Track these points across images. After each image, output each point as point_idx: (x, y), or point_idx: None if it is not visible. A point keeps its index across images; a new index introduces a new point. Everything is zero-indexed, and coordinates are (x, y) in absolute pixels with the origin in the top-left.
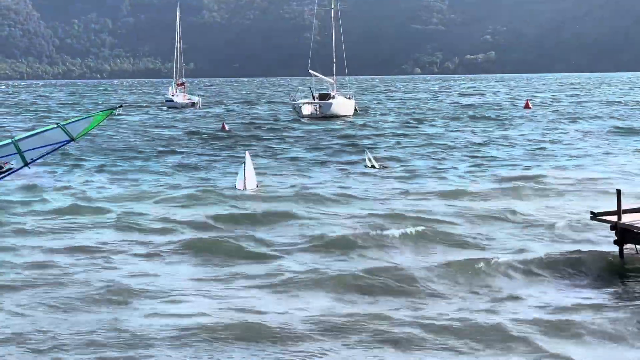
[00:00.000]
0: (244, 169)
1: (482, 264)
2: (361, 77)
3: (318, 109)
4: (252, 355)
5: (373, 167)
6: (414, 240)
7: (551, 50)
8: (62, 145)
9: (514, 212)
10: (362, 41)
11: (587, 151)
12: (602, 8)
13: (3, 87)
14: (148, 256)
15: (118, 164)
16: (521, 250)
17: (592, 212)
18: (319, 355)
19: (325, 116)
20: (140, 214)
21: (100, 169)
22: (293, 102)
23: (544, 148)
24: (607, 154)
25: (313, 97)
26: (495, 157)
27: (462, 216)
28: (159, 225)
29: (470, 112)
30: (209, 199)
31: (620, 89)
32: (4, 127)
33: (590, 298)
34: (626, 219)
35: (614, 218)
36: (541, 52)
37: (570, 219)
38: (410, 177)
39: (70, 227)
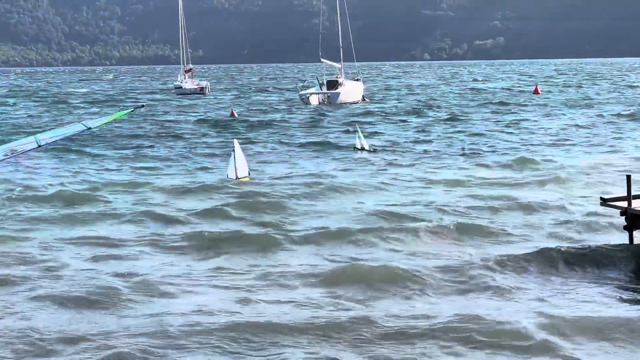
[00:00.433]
0: (234, 158)
1: (487, 256)
2: (370, 63)
3: (326, 99)
4: (255, 351)
5: (363, 149)
6: (419, 230)
7: (560, 36)
8: (78, 133)
9: (521, 198)
10: (371, 27)
11: (597, 136)
12: None
13: (12, 75)
14: (143, 248)
15: (123, 151)
16: (530, 238)
17: (601, 198)
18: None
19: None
20: (138, 203)
21: (104, 157)
22: (300, 93)
23: (552, 133)
24: (618, 139)
25: (320, 86)
26: (502, 142)
27: (466, 204)
28: (153, 216)
29: (479, 97)
30: (203, 190)
31: (631, 74)
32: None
33: (599, 286)
34: (636, 204)
35: (624, 204)
36: (550, 38)
37: (580, 205)
38: (410, 163)
39: (72, 217)
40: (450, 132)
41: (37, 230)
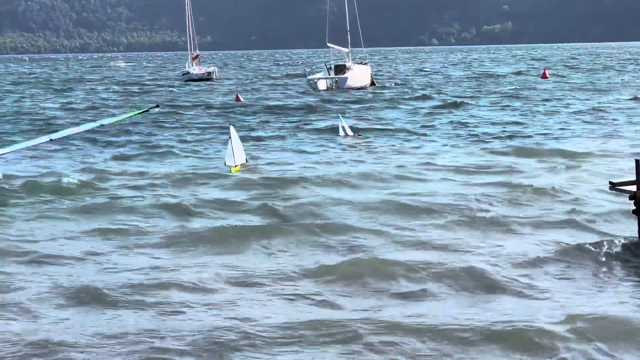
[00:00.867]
0: (231, 145)
1: (494, 249)
2: (378, 48)
3: (334, 84)
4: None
5: (347, 135)
6: (424, 222)
7: (569, 20)
8: (90, 129)
9: (529, 184)
10: (378, 12)
11: (606, 121)
12: None
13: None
14: (155, 241)
15: (127, 137)
16: (538, 224)
17: (610, 182)
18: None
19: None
20: (145, 192)
21: (108, 144)
22: (308, 77)
23: (560, 118)
24: (629, 123)
25: (328, 71)
26: (509, 128)
27: (469, 192)
28: (158, 207)
29: (487, 82)
30: (205, 178)
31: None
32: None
33: (606, 271)
34: None
35: (633, 188)
36: (559, 22)
37: (588, 189)
38: (412, 150)
39: (77, 208)
40: (455, 118)
41: (44, 222)
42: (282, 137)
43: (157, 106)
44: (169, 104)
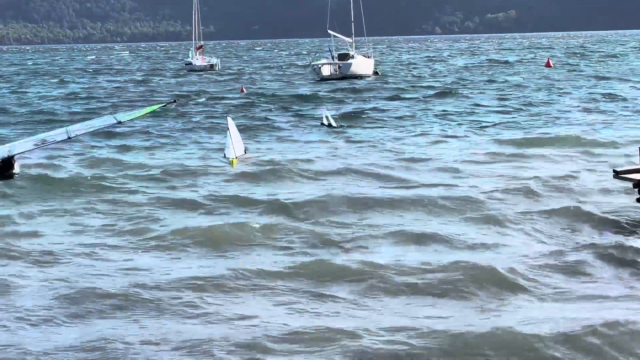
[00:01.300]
0: (230, 136)
1: (495, 243)
2: (381, 37)
3: (338, 70)
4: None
5: (330, 125)
6: (424, 216)
7: (572, 8)
8: (109, 127)
9: (531, 175)
10: (382, 1)
11: (611, 110)
12: None
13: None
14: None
15: (127, 129)
16: (545, 213)
17: (614, 170)
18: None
19: (345, 76)
20: (151, 186)
21: (108, 135)
22: (312, 63)
23: (565, 107)
24: (637, 112)
25: (332, 57)
26: (512, 117)
27: (467, 183)
28: (162, 202)
29: (490, 71)
30: (203, 171)
31: None
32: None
33: (612, 262)
34: None
35: (638, 176)
36: (562, 10)
37: (592, 178)
38: (410, 139)
39: (73, 208)
40: (453, 108)
41: (46, 218)
42: (283, 129)
43: (175, 102)
44: (171, 93)
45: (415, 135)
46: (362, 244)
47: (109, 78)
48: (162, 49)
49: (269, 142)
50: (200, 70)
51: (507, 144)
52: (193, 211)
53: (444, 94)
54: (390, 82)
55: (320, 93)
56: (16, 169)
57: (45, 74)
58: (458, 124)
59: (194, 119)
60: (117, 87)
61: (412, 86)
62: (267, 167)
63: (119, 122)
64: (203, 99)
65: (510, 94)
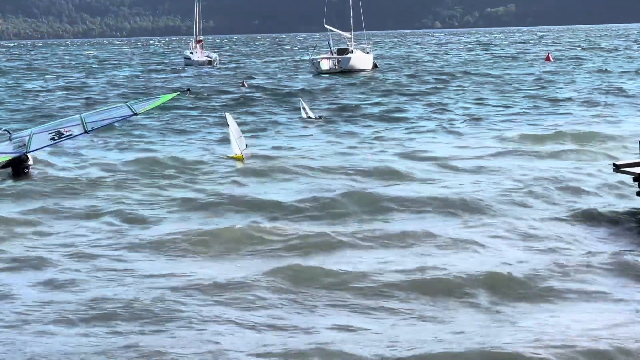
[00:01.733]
0: (231, 133)
1: (486, 239)
2: (380, 31)
3: (337, 64)
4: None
5: (309, 117)
6: (423, 214)
7: (572, 2)
8: (125, 119)
9: (529, 171)
10: None
11: (611, 104)
12: None
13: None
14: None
15: (127, 127)
16: (545, 208)
17: (614, 164)
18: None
19: (344, 71)
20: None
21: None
22: (311, 58)
23: (564, 101)
24: (633, 105)
25: (331, 52)
26: (510, 112)
27: (464, 181)
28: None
29: (488, 65)
30: (204, 168)
31: None
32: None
33: (613, 257)
34: None
35: (638, 170)
36: (562, 4)
37: (592, 172)
38: (398, 134)
39: (74, 210)
40: (450, 102)
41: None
42: (284, 123)
43: (188, 90)
44: (169, 87)
45: (413, 132)
46: (370, 243)
47: (110, 72)
48: (162, 43)
49: (265, 137)
50: (199, 65)
51: (505, 140)
52: (191, 210)
53: (441, 88)
54: (389, 76)
55: (320, 87)
56: (30, 160)
57: (43, 70)
58: (455, 119)
59: (191, 114)
60: (110, 81)
61: (411, 80)
62: (264, 163)
63: (135, 114)
64: (205, 93)
65: (509, 89)
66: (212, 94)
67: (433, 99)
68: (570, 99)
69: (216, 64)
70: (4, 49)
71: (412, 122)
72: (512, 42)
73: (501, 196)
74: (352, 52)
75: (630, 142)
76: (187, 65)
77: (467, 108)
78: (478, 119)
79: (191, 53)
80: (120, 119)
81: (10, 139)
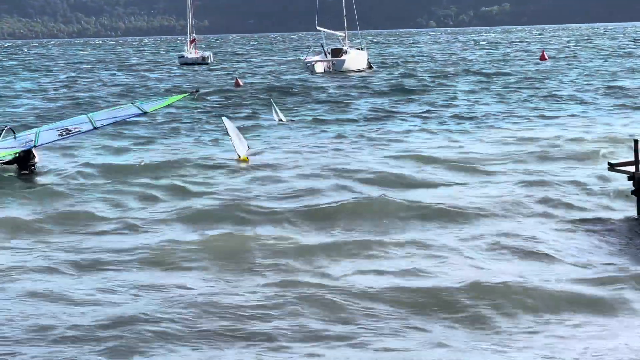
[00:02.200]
0: (231, 137)
1: (479, 237)
2: (375, 31)
3: (331, 67)
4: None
5: (280, 120)
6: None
7: (569, 1)
8: (134, 117)
9: (522, 172)
10: None
11: (606, 103)
12: None
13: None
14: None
15: (119, 130)
16: (535, 206)
17: (609, 163)
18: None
19: (338, 72)
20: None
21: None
22: (306, 61)
23: (558, 100)
24: (627, 104)
25: (325, 53)
26: (503, 111)
27: (452, 181)
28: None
29: (480, 64)
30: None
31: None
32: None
33: (606, 253)
34: None
35: (632, 169)
36: (557, 3)
37: (587, 170)
38: (383, 135)
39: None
40: (443, 102)
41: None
42: (273, 126)
43: (197, 91)
44: (165, 87)
45: (405, 133)
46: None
47: (105, 72)
48: (156, 42)
49: (253, 138)
50: (193, 63)
51: (498, 142)
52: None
53: (435, 87)
54: (383, 76)
55: (313, 87)
56: (36, 158)
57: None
58: (447, 119)
59: (185, 113)
60: (103, 81)
61: (405, 80)
62: (268, 163)
63: (144, 113)
64: (202, 92)
65: (503, 88)
66: (206, 93)
67: (426, 99)
68: (564, 97)
69: (211, 62)
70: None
71: (404, 123)
72: (507, 41)
73: (491, 199)
74: (346, 52)
75: (625, 141)
76: (181, 64)
77: (460, 107)
78: (470, 119)
79: (186, 52)
80: (129, 117)
81: (15, 138)
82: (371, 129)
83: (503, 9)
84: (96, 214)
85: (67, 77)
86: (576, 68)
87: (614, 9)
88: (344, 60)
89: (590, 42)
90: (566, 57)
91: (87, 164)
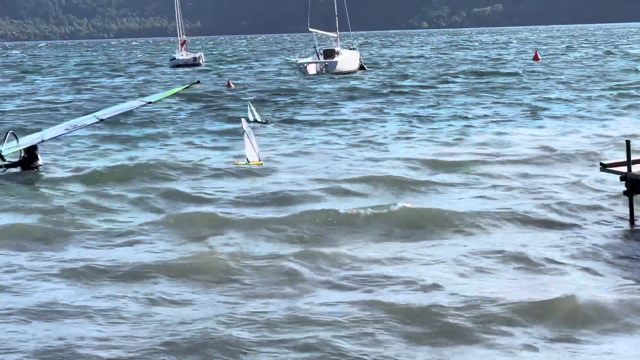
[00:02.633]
0: (248, 139)
1: (473, 238)
2: (367, 32)
3: (323, 68)
4: None
5: (256, 121)
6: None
7: (559, 1)
8: (139, 107)
9: (514, 174)
10: None
11: (599, 104)
12: None
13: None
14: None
15: (112, 131)
16: (539, 205)
17: (601, 163)
18: None
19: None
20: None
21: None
22: (298, 62)
23: (551, 100)
24: (619, 104)
25: (318, 55)
26: (496, 112)
27: (444, 180)
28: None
29: (476, 65)
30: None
31: (632, 40)
32: None
33: (596, 254)
34: (636, 169)
35: (624, 169)
36: (549, 4)
37: (579, 171)
38: (372, 139)
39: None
40: (435, 104)
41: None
42: (285, 131)
43: (199, 82)
44: (160, 87)
45: (398, 136)
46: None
47: (99, 74)
48: (148, 44)
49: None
50: (184, 65)
51: (489, 144)
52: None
53: (427, 88)
54: (374, 77)
55: (304, 88)
56: (40, 160)
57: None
58: (439, 121)
59: (177, 115)
60: (93, 84)
61: (397, 81)
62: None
63: (149, 102)
64: (193, 94)
65: (496, 89)
66: (198, 95)
67: (418, 100)
68: (557, 98)
69: (202, 62)
70: None
71: (396, 124)
72: (500, 42)
73: (483, 200)
74: (338, 53)
75: (618, 141)
76: (173, 66)
77: (452, 108)
78: (463, 120)
79: (177, 54)
80: (134, 107)
81: (18, 144)
82: (363, 131)
83: (495, 9)
84: (96, 217)
85: (54, 81)
86: (569, 69)
87: (606, 10)
88: (336, 62)
89: (583, 43)
90: (559, 57)
91: (87, 166)
